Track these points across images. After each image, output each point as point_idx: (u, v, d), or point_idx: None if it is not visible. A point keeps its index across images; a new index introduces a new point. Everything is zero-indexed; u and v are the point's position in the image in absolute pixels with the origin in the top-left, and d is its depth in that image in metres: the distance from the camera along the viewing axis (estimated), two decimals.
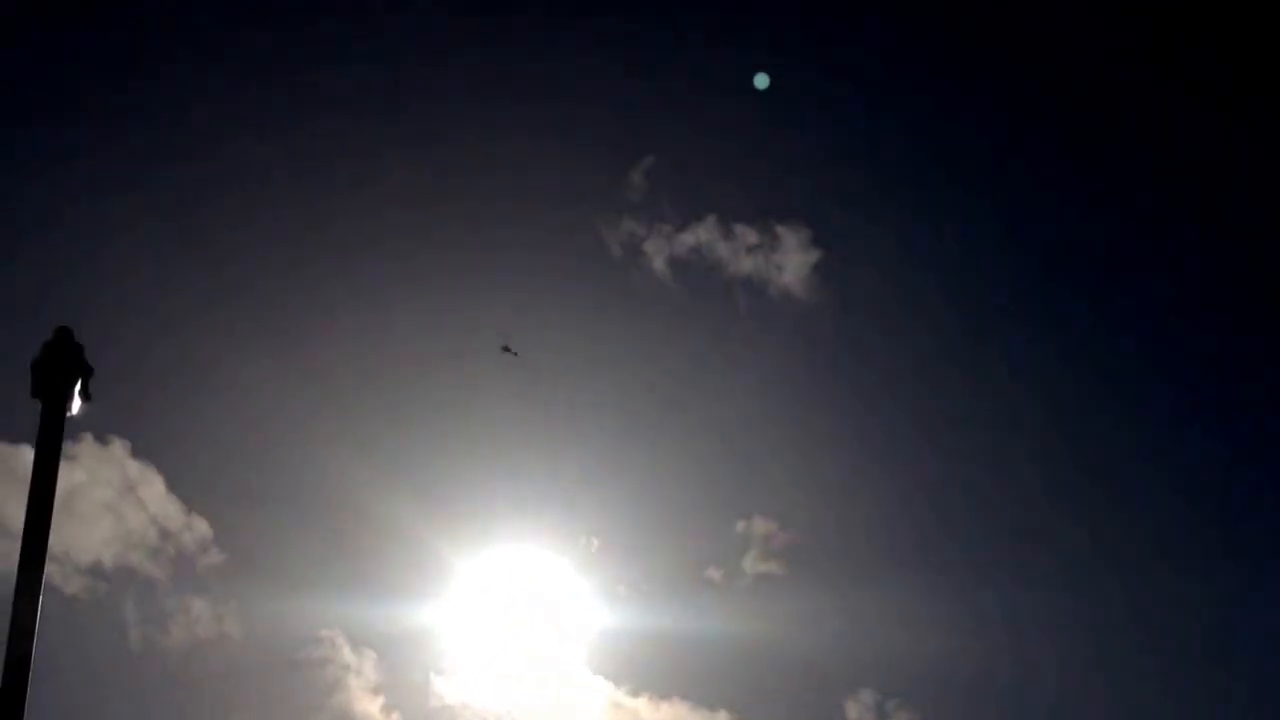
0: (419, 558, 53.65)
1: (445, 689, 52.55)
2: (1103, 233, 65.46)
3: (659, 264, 59.44)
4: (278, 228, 59.90)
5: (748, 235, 59.21)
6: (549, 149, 60.47)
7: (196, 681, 51.92)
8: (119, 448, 51.00)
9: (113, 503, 50.84)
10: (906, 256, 63.47)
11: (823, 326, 61.12)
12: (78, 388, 15.88)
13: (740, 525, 57.35)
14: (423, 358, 58.18)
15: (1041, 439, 62.90)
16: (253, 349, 56.05)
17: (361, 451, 53.71)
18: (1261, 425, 63.32)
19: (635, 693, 53.51)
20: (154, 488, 51.78)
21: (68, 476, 15.94)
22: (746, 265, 59.44)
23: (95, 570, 50.29)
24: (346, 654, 52.01)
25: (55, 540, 15.60)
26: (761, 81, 57.28)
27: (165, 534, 51.59)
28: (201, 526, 52.36)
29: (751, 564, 56.42)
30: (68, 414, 15.83)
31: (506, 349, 52.57)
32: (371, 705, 52.29)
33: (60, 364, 15.74)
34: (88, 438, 47.23)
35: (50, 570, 15.53)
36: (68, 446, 15.94)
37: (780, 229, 59.42)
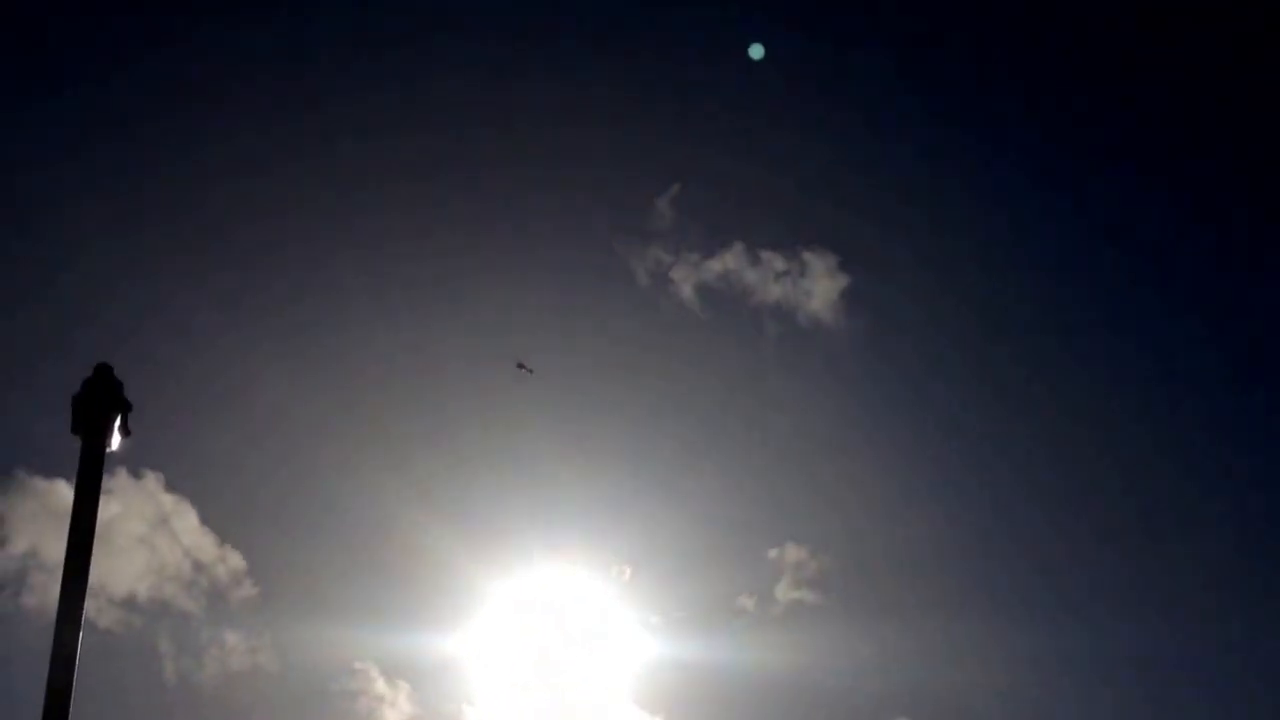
0: (451, 587, 53.70)
1: None
2: (1150, 257, 64.73)
3: (687, 291, 59.54)
4: (309, 260, 60.33)
5: (775, 261, 59.26)
6: (575, 178, 60.81)
7: (231, 714, 52.05)
8: (153, 481, 51.41)
9: (147, 536, 51.25)
10: (935, 281, 63.25)
11: (852, 352, 60.98)
12: (117, 423, 16.07)
13: (772, 553, 57.19)
14: (454, 389, 58.42)
15: (1085, 467, 62.17)
16: (284, 382, 56.27)
17: (394, 482, 53.86)
18: None
19: None
20: (188, 520, 52.12)
21: (102, 510, 16.09)
22: (775, 291, 59.46)
23: (130, 604, 50.65)
24: (380, 685, 52.05)
25: (90, 574, 15.74)
26: (756, 52, 57.19)
27: (199, 567, 51.88)
28: (235, 559, 52.58)
29: (784, 591, 56.22)
30: (107, 449, 16.02)
31: (521, 365, 52.74)
32: None
33: (101, 399, 15.93)
34: (122, 471, 47.80)
35: (86, 603, 15.64)
36: (103, 480, 16.11)
37: (808, 255, 59.44)
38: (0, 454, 51.13)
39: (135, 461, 47.79)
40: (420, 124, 60.62)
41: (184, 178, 58.72)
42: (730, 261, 59.07)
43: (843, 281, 59.16)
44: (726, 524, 58.65)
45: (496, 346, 55.65)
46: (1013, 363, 63.86)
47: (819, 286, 59.16)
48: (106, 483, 16.00)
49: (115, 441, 16.18)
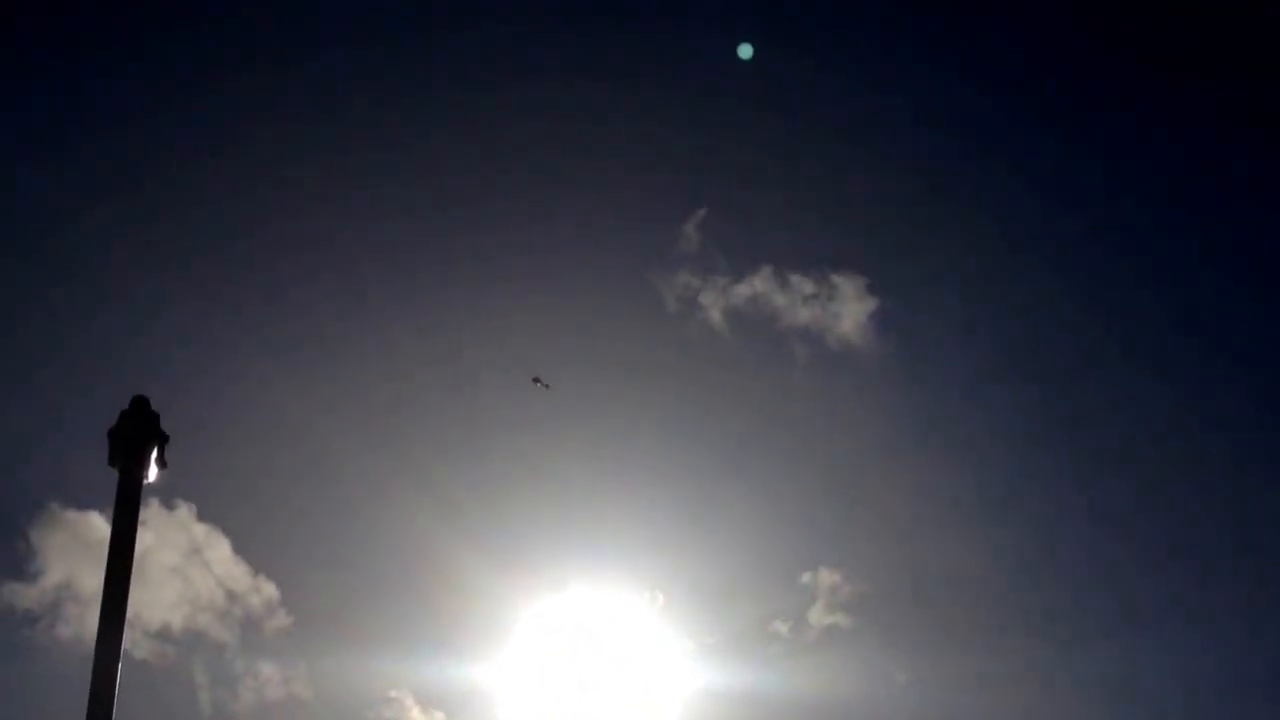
0: (485, 613, 53.66)
1: None
2: (1182, 281, 64.11)
3: (715, 316, 59.54)
4: (342, 293, 60.68)
5: (804, 285, 59.21)
6: (602, 204, 61.00)
7: None
8: (185, 511, 51.64)
9: (180, 566, 51.44)
10: (963, 302, 62.98)
11: (882, 374, 60.78)
12: (154, 455, 16.14)
13: (805, 577, 56.92)
14: (485, 415, 58.55)
15: (1120, 490, 61.45)
16: (314, 411, 56.53)
17: (426, 510, 53.92)
18: None
19: None
20: (221, 551, 52.31)
21: (137, 541, 16.17)
22: (803, 315, 59.37)
23: (164, 634, 50.83)
24: (416, 714, 52.00)
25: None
26: (745, 52, 57.15)
27: (233, 597, 52.04)
28: (269, 589, 52.71)
29: (818, 616, 55.92)
30: (144, 481, 16.09)
31: (537, 380, 52.69)
32: None
33: (138, 432, 16.01)
34: (154, 502, 48.07)
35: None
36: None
37: (836, 278, 59.38)
38: (34, 487, 51.56)
39: (168, 493, 48.12)
40: (456, 158, 61.10)
41: (220, 213, 59.27)
42: (759, 285, 59.12)
43: (871, 304, 59.09)
44: (759, 548, 58.49)
45: (529, 373, 55.74)
46: (1044, 384, 63.53)
47: (848, 309, 59.09)
48: (141, 514, 16.07)
49: (153, 473, 16.25)
